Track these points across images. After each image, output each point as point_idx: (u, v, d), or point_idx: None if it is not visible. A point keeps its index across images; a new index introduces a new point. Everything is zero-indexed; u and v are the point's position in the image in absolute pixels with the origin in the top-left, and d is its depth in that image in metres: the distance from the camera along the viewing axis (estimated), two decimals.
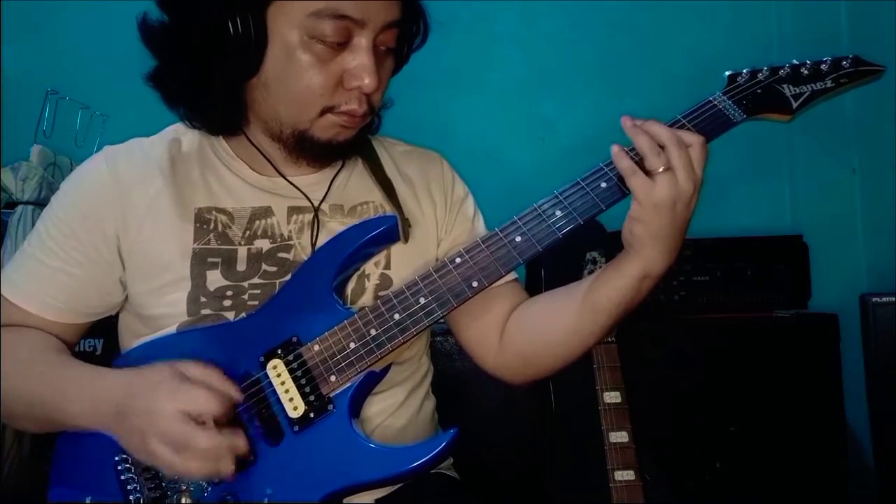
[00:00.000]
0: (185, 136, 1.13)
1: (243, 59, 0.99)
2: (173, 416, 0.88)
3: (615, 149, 0.94)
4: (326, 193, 1.11)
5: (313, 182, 1.11)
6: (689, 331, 1.81)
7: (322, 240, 1.07)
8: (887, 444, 1.71)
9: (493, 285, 1.01)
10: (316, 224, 1.08)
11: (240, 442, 0.92)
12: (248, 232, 1.07)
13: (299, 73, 0.98)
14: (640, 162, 0.93)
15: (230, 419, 0.93)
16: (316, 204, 1.09)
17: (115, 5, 1.74)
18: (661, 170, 0.90)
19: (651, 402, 1.54)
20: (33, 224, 1.13)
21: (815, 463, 1.75)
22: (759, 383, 1.76)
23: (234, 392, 0.94)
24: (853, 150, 2.20)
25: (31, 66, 2.07)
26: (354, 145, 1.10)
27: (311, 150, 1.05)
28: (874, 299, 1.76)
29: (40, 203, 1.77)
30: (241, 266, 1.05)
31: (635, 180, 0.91)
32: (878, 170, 2.09)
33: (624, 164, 0.93)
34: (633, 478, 1.36)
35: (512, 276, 1.13)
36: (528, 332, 1.09)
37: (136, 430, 0.90)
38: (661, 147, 0.91)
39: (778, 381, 1.76)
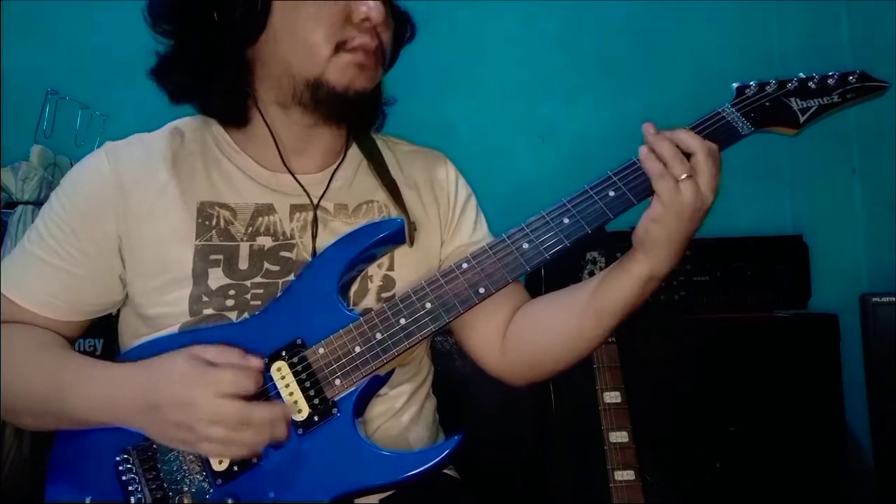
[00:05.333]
0: (187, 129, 1.12)
1: (251, 16, 0.99)
2: (217, 401, 0.89)
3: (644, 150, 0.94)
4: (326, 190, 1.10)
5: (317, 181, 1.11)
6: (689, 331, 1.81)
7: (325, 239, 1.06)
8: (887, 444, 1.72)
9: None
10: (315, 222, 1.08)
11: (287, 407, 0.95)
12: (250, 228, 1.06)
13: (306, 13, 0.99)
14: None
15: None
16: (315, 201, 1.09)
17: (115, 5, 1.74)
18: (683, 177, 0.91)
19: (651, 402, 1.55)
20: None
21: (815, 463, 1.76)
22: (759, 383, 1.77)
23: (258, 363, 0.95)
24: (853, 150, 2.21)
25: (31, 66, 2.07)
26: (371, 104, 1.09)
27: (327, 104, 1.03)
28: (874, 299, 1.78)
29: (40, 203, 1.77)
30: (244, 264, 1.04)
31: (664, 183, 0.91)
32: (878, 170, 2.10)
33: (653, 166, 0.92)
34: (633, 478, 1.36)
35: None
36: (530, 336, 1.09)
37: (176, 421, 0.91)
38: (688, 155, 0.92)
39: (778, 381, 1.77)
